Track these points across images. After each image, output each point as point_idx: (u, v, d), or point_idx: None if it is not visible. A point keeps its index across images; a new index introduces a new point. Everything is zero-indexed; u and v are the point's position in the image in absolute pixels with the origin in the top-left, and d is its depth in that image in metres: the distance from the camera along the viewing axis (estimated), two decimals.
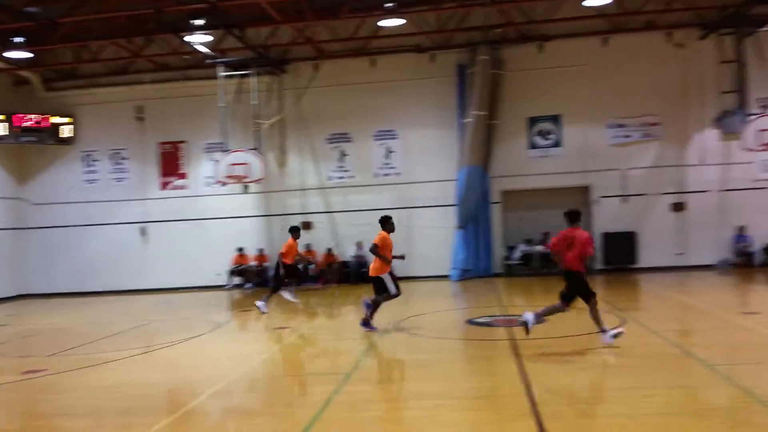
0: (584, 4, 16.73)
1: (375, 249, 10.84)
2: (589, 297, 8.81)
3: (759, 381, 7.09)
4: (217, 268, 20.27)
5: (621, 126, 19.23)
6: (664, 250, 18.97)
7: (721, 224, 18.66)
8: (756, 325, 10.06)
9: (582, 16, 17.98)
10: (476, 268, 19.20)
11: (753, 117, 17.27)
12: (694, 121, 18.84)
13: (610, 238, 19.14)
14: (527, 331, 9.05)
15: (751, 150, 17.20)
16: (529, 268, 19.33)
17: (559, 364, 8.26)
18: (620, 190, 19.21)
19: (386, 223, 11.13)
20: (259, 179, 19.13)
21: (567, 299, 8.96)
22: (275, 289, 14.53)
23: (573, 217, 9.11)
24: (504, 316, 12.09)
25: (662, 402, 6.35)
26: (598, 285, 16.48)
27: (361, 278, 19.40)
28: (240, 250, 20.43)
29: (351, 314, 14.87)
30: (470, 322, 11.73)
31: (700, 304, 12.76)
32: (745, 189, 18.70)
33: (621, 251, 19.08)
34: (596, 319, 8.88)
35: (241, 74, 19.67)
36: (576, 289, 8.88)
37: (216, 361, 9.61)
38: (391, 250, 10.93)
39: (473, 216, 19.19)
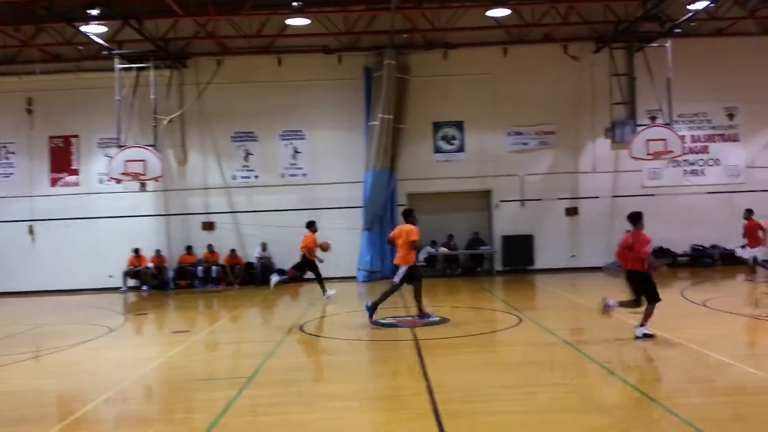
0: (487, 14, 17.25)
1: (416, 244, 11.15)
2: (653, 300, 9.08)
3: (646, 377, 7.53)
4: (111, 269, 19.33)
5: (519, 133, 19.99)
6: (558, 252, 19.86)
7: (610, 228, 19.70)
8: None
9: (483, 26, 18.55)
10: (382, 270, 19.32)
11: (641, 128, 18.40)
12: (587, 131, 19.85)
13: (508, 240, 19.84)
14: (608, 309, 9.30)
15: (638, 159, 18.29)
16: (434, 269, 19.70)
17: (460, 363, 8.43)
18: (519, 194, 19.94)
19: (411, 216, 11.49)
20: (157, 177, 18.43)
21: (638, 298, 9.23)
22: (319, 279, 15.15)
23: (635, 219, 9.44)
24: (408, 316, 12.22)
25: (548, 398, 6.60)
26: (497, 286, 17.08)
27: (267, 280, 19.09)
28: (136, 251, 19.57)
29: (254, 317, 14.59)
30: (375, 323, 11.77)
31: (590, 304, 13.39)
32: (633, 195, 19.88)
33: (519, 253, 19.82)
34: (646, 315, 9.19)
35: (139, 67, 18.88)
36: (642, 288, 9.14)
37: (109, 367, 9.14)
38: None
39: (379, 218, 19.33)
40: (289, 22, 17.53)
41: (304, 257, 14.96)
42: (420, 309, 11.55)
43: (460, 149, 20.10)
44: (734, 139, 20.09)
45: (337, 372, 8.20)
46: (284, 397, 7.02)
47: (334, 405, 6.63)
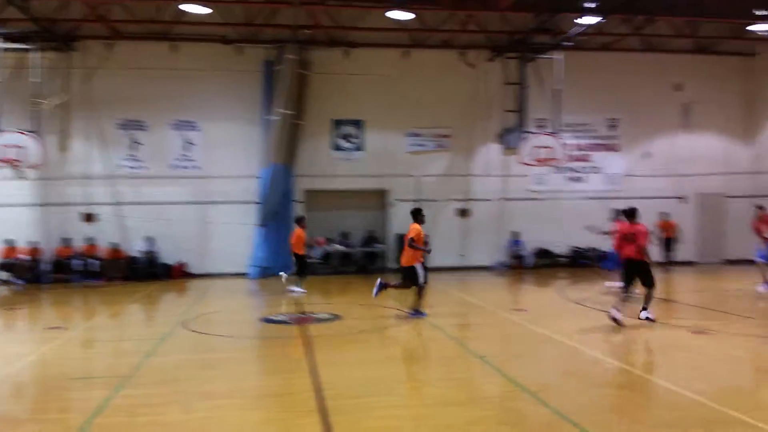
0: (388, 15, 17.41)
1: (413, 242, 11.25)
2: (650, 285, 10.20)
3: (525, 371, 7.85)
4: None
5: (417, 135, 20.34)
6: (450, 251, 20.35)
7: (499, 230, 20.50)
8: (523, 321, 11.14)
9: (385, 28, 18.73)
10: (276, 266, 19.02)
11: (529, 135, 19.21)
12: (480, 135, 20.50)
13: (403, 239, 20.05)
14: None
15: (526, 164, 19.09)
16: (329, 266, 19.65)
17: (350, 359, 8.45)
18: (414, 195, 20.26)
19: (418, 215, 11.61)
20: (36, 165, 17.24)
21: (629, 285, 10.32)
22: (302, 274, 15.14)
23: (631, 214, 10.48)
24: (300, 313, 12.13)
25: (435, 393, 6.77)
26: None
27: (152, 275, 18.36)
28: (9, 242, 18.21)
29: (136, 313, 13.97)
30: (265, 320, 11.61)
31: (477, 301, 13.87)
32: (521, 199, 20.75)
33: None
34: (647, 299, 10.30)
35: (22, 48, 17.59)
36: (641, 275, 10.18)
37: None
38: (423, 241, 11.46)
39: (275, 214, 19.04)
40: (186, 8, 16.91)
41: (297, 256, 15.20)
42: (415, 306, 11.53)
43: (359, 148, 20.18)
44: (615, 148, 21.40)
45: (221, 370, 7.99)
46: (163, 397, 6.76)
47: (216, 404, 6.46)
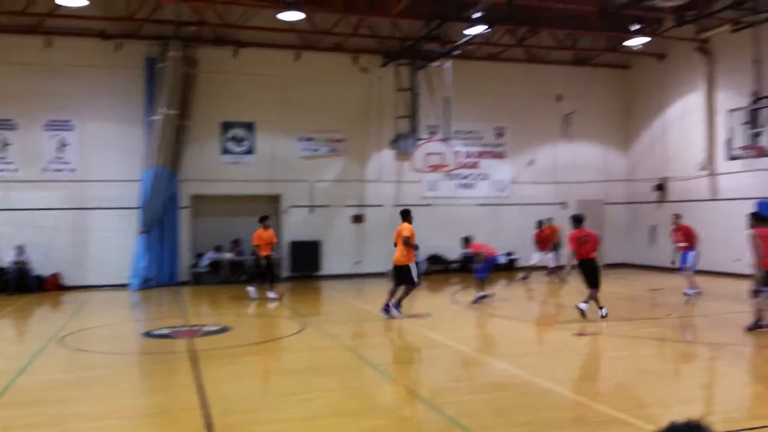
0: (278, 17, 17.05)
1: (409, 241, 11.99)
2: (594, 285, 10.99)
3: (419, 378, 7.82)
4: None
5: (310, 140, 20.07)
6: (344, 258, 20.24)
7: (392, 236, 20.55)
8: (417, 326, 11.17)
9: (276, 28, 18.30)
10: (160, 277, 18.12)
11: (422, 141, 19.45)
12: (373, 141, 20.53)
13: (297, 246, 19.78)
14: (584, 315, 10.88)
15: (419, 171, 19.31)
16: (218, 276, 18.94)
17: (240, 373, 8.09)
18: (308, 200, 19.99)
19: (408, 215, 12.59)
20: None
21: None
22: (272, 279, 14.90)
23: (578, 219, 11.46)
24: (186, 326, 11.54)
25: (327, 403, 6.58)
26: (285, 291, 16.88)
27: (24, 287, 16.91)
28: None
29: (6, 328, 12.81)
30: (147, 334, 10.94)
31: (372, 309, 13.79)
32: (414, 205, 20.87)
33: (306, 259, 19.84)
34: (593, 299, 11.09)
35: None
36: (589, 274, 11.02)
37: None
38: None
39: (159, 220, 18.13)
40: (61, 1, 15.75)
41: (262, 258, 14.82)
42: (388, 303, 11.98)
43: (250, 151, 19.62)
44: (502, 156, 22.12)
45: (99, 389, 7.39)
46: (35, 418, 6.17)
47: (93, 426, 5.96)
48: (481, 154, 21.86)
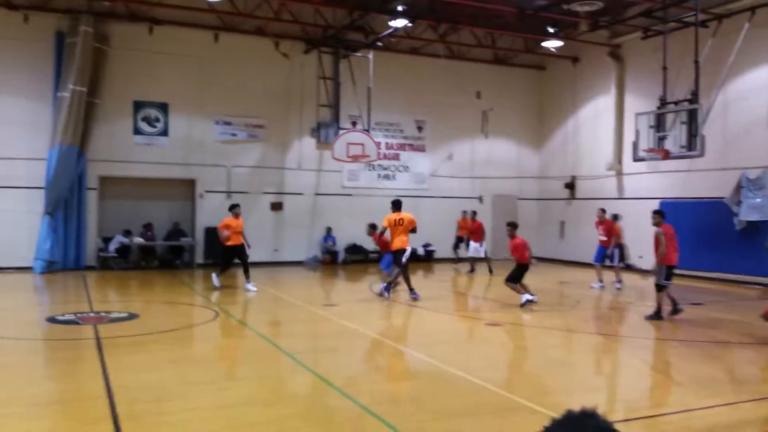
0: None
1: (415, 229, 13.06)
2: (512, 279, 11.90)
3: (334, 367, 7.83)
4: None
5: (228, 123, 19.61)
6: (262, 246, 19.91)
7: (312, 225, 20.50)
8: (334, 316, 11.19)
9: (194, 7, 17.70)
10: (65, 260, 17.29)
11: (343, 131, 19.41)
12: (294, 128, 20.30)
13: (212, 232, 19.25)
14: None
15: (339, 160, 19.25)
16: (127, 261, 18.25)
17: (148, 361, 7.85)
18: (225, 186, 19.56)
19: (400, 204, 13.27)
20: None
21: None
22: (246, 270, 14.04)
23: (512, 226, 12.30)
24: (92, 312, 11.07)
25: (239, 392, 6.49)
26: (197, 279, 16.48)
27: None
28: None
29: None
30: (51, 320, 10.43)
31: (289, 297, 13.70)
32: (334, 194, 20.93)
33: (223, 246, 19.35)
34: (515, 290, 11.88)
35: None
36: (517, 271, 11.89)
37: None
38: None
39: (64, 202, 17.26)
40: None
41: (231, 247, 14.09)
42: (411, 288, 12.79)
43: (164, 133, 18.94)
44: (422, 149, 22.40)
45: None
46: None
47: None
48: (401, 147, 22.06)
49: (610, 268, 15.44)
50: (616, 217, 16.12)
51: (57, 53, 17.16)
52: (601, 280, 15.08)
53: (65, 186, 17.06)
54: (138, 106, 18.56)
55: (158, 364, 7.71)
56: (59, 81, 16.97)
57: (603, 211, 15.60)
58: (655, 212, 11.45)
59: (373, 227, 14.12)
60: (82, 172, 17.56)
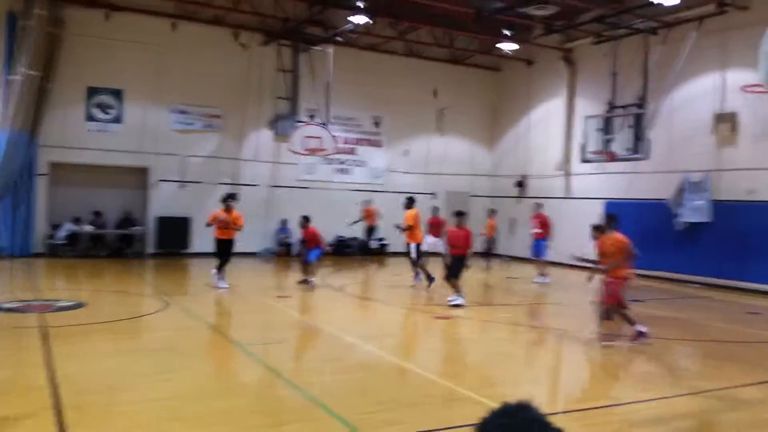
0: None
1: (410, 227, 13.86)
2: (450, 276, 11.63)
3: (284, 358, 7.92)
4: None
5: (184, 112, 19.38)
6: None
7: (267, 216, 20.43)
8: (287, 307, 11.26)
9: None
10: (12, 246, 16.87)
11: (301, 124, 19.40)
12: (252, 119, 20.18)
13: (164, 222, 19.09)
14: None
15: (296, 153, 19.25)
16: (76, 249, 17.90)
17: (94, 351, 7.80)
18: (179, 175, 19.34)
19: (413, 202, 14.42)
20: None
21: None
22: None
23: (459, 215, 11.87)
24: (39, 300, 10.89)
25: (187, 383, 6.50)
26: (148, 269, 16.30)
27: None
28: None
29: None
30: None
31: (241, 288, 13.68)
32: (290, 187, 20.90)
33: (174, 236, 19.19)
34: (453, 287, 11.54)
35: None
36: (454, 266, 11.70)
37: None
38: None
39: (13, 187, 16.83)
40: None
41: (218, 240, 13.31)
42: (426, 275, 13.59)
43: (118, 120, 18.63)
44: (378, 144, 22.56)
45: None
46: None
47: None
48: (358, 141, 22.17)
49: (533, 262, 15.87)
50: (493, 212, 16.71)
51: (8, 35, 16.67)
52: (544, 275, 15.51)
53: (14, 171, 16.65)
54: (92, 92, 18.21)
55: (106, 355, 7.67)
56: (10, 63, 16.51)
57: (539, 205, 16.00)
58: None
59: (306, 219, 14.13)
60: (32, 157, 17.16)
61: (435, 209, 18.53)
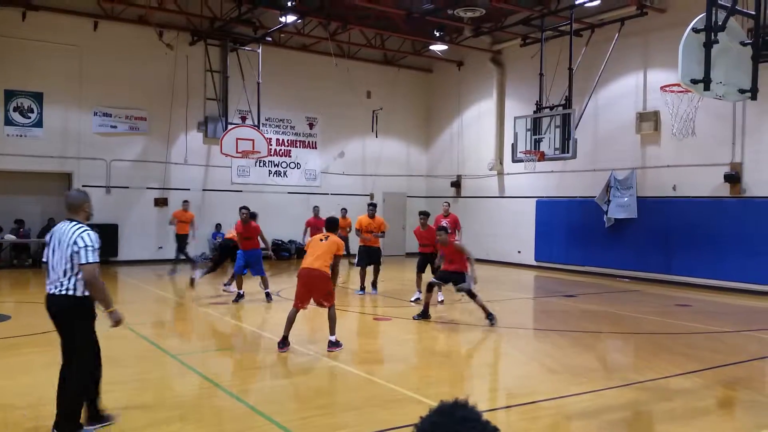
0: None
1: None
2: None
3: (221, 366, 7.73)
4: None
5: (108, 115, 18.71)
6: (144, 243, 19.23)
7: (200, 221, 19.90)
8: (223, 315, 11.00)
9: None
10: None
11: (231, 126, 19.05)
12: (180, 122, 19.67)
13: (91, 229, 18.34)
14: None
15: (228, 155, 18.89)
16: None
17: (21, 365, 7.42)
18: (104, 180, 18.66)
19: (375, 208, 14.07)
20: None
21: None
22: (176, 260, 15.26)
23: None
24: None
25: (120, 396, 6.24)
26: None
27: None
28: None
29: None
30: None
31: (175, 296, 13.32)
32: (223, 190, 20.50)
33: (102, 244, 18.39)
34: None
35: None
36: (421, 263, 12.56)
37: None
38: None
39: None
40: None
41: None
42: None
43: (38, 124, 17.81)
44: (313, 146, 22.41)
45: None
46: None
47: None
48: (292, 143, 21.96)
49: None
50: (345, 212, 17.09)
51: None
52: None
53: None
54: (9, 95, 17.36)
55: (32, 368, 7.30)
56: None
57: (448, 204, 16.08)
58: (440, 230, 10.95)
59: (250, 213, 13.53)
60: None
61: (315, 209, 17.53)
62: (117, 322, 5.40)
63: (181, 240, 16.58)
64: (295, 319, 8.51)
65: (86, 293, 5.15)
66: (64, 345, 5.37)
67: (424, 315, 10.50)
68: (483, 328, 10.40)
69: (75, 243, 5.07)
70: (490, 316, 10.19)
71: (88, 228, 5.24)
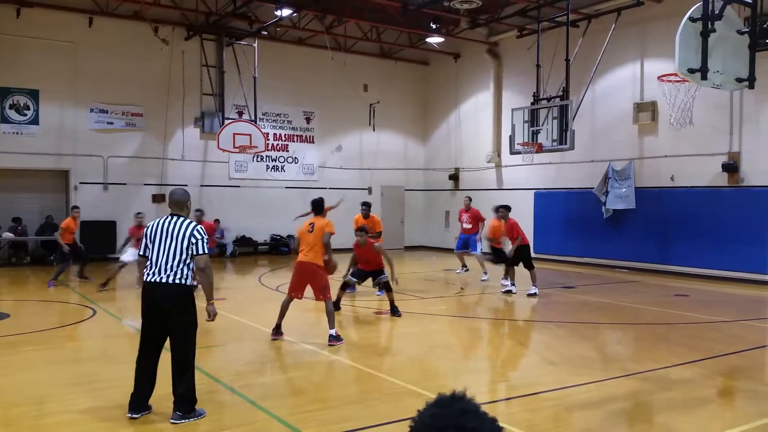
0: None
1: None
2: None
3: (223, 363, 7.73)
4: None
5: (104, 111, 18.66)
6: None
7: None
8: (224, 310, 10.97)
9: None
10: None
11: (228, 121, 18.99)
12: (177, 117, 19.62)
13: (88, 226, 18.28)
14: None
15: (225, 151, 18.84)
16: None
17: (20, 363, 7.43)
18: (101, 177, 18.63)
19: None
20: None
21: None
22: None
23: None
24: None
25: (119, 393, 6.17)
26: (72, 276, 15.62)
27: None
28: None
29: None
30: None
31: None
32: (221, 186, 20.47)
33: (100, 240, 18.46)
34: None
35: None
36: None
37: None
38: None
39: None
40: None
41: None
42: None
43: (34, 121, 17.76)
44: (310, 140, 22.36)
45: None
46: None
47: None
48: (290, 138, 21.92)
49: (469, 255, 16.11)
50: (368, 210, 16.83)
51: None
52: (464, 265, 15.92)
53: None
54: (5, 92, 17.30)
55: (32, 366, 7.31)
56: None
57: (470, 199, 16.19)
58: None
59: (200, 213, 13.54)
60: None
61: (138, 215, 14.27)
62: (213, 315, 5.99)
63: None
64: (288, 308, 8.54)
65: (194, 283, 5.75)
66: (158, 333, 5.79)
67: (335, 306, 10.06)
68: (483, 321, 10.43)
69: (192, 236, 5.58)
70: (395, 310, 10.30)
71: (196, 223, 5.79)
